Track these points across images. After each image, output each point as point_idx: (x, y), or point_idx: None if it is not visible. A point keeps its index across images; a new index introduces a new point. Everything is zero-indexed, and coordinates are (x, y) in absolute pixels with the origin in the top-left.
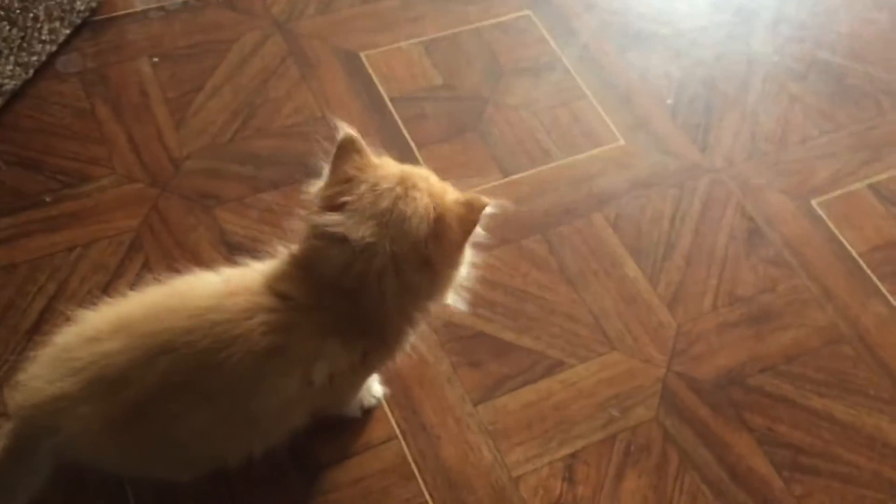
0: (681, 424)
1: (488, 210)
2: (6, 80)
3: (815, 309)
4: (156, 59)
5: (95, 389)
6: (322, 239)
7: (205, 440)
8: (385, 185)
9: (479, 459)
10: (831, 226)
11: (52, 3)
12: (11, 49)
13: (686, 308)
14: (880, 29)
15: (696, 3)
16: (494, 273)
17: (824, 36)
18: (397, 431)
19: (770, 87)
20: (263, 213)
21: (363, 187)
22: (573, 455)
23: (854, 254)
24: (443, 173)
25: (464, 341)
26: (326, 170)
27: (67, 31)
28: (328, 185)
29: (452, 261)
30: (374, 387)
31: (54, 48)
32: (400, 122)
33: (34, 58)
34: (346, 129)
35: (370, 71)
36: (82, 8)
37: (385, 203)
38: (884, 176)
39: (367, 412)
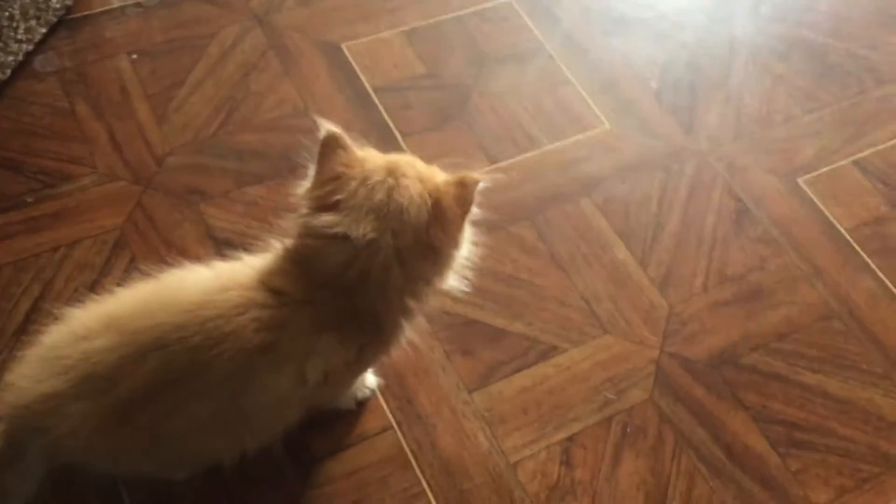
0: (676, 405)
1: (481, 186)
2: None
3: (806, 286)
4: (135, 56)
5: (86, 387)
6: (319, 238)
7: (197, 438)
8: (376, 178)
9: (475, 446)
10: (818, 203)
11: (28, 1)
12: None
13: (677, 289)
14: (861, 6)
15: None
16: (484, 260)
17: (805, 15)
18: (392, 422)
19: (753, 67)
20: (249, 208)
21: (354, 183)
22: (570, 439)
23: (842, 230)
24: (429, 162)
25: (456, 329)
26: (311, 169)
27: (44, 30)
28: (316, 184)
29: (455, 242)
30: (368, 378)
31: (31, 47)
32: (384, 113)
33: (11, 58)
34: (328, 127)
35: (352, 62)
36: (58, 6)
37: (379, 196)
38: (868, 152)
39: (362, 403)
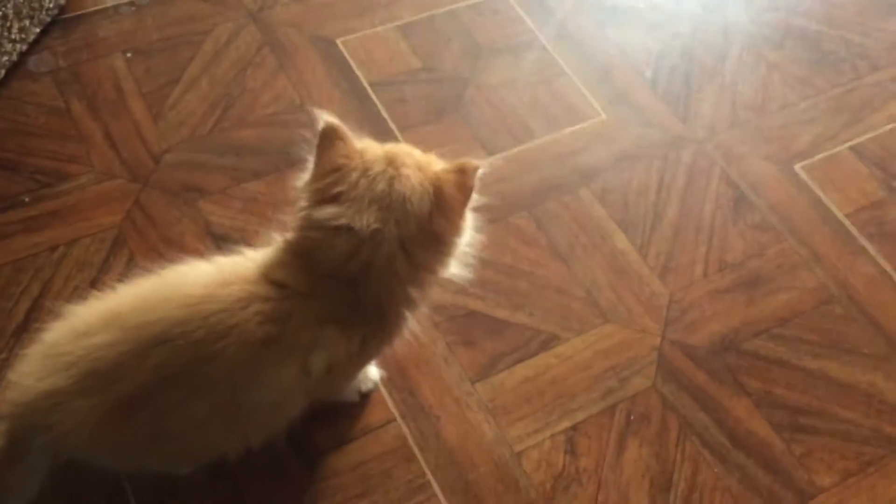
0: (679, 392)
1: (480, 172)
2: None
3: (805, 271)
4: (129, 55)
5: (88, 384)
6: (322, 231)
7: (201, 432)
8: (376, 169)
9: (479, 437)
10: (815, 189)
11: (21, 1)
12: None
13: (677, 277)
14: None
15: None
16: (484, 251)
17: (798, 3)
18: (396, 414)
19: (747, 56)
20: (248, 204)
21: (354, 174)
22: (574, 428)
23: (839, 216)
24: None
25: (457, 321)
26: (311, 161)
27: (37, 30)
28: (316, 176)
29: (457, 229)
30: (371, 370)
31: (25, 47)
32: (381, 107)
33: (5, 58)
34: (326, 118)
35: (348, 57)
36: (51, 5)
37: (381, 186)
38: (864, 137)
39: (365, 396)
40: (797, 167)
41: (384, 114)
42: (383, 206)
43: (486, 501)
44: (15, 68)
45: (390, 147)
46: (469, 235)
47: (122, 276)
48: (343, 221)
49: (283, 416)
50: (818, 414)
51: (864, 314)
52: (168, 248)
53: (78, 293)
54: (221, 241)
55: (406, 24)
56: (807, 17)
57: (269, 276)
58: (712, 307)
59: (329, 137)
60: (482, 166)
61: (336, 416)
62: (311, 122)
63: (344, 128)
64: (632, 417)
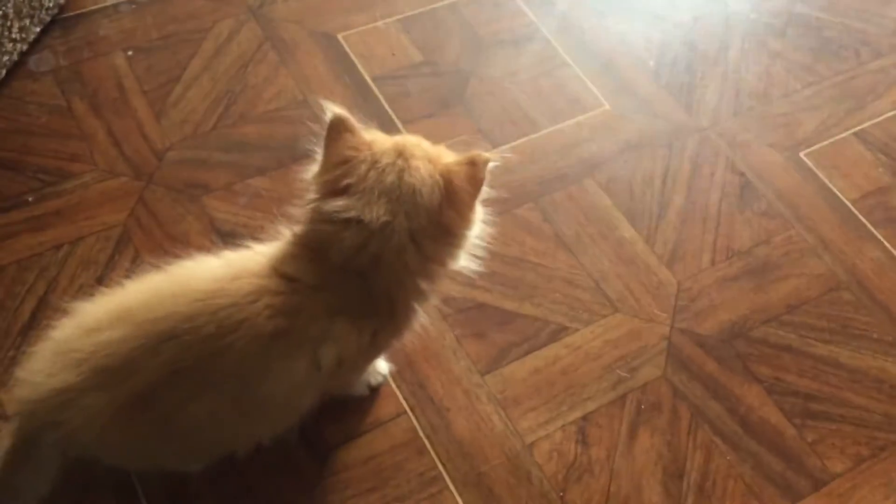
0: (689, 380)
1: (491, 165)
2: None
3: (812, 258)
4: (130, 53)
5: (99, 380)
6: (331, 223)
7: (211, 428)
8: (385, 161)
9: (490, 429)
10: (821, 176)
11: (21, 0)
12: None
13: (685, 265)
14: None
15: None
16: (491, 243)
17: None
18: (406, 407)
19: (750, 44)
20: (253, 199)
21: (363, 166)
22: (585, 418)
23: (846, 202)
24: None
25: (466, 313)
26: (319, 153)
27: (38, 29)
28: (324, 168)
29: (468, 222)
30: (380, 364)
31: (25, 47)
32: (384, 101)
33: (6, 57)
34: (333, 109)
35: (349, 52)
36: (51, 4)
37: (390, 178)
38: (869, 123)
39: (374, 390)
40: (802, 154)
41: (387, 108)
42: (393, 199)
43: (498, 493)
44: (16, 68)
45: (399, 138)
46: (479, 228)
47: (129, 274)
48: (353, 214)
49: (293, 411)
50: (829, 400)
51: (872, 300)
52: (173, 245)
53: (83, 291)
54: (226, 237)
55: (407, 18)
56: (808, 4)
57: (278, 269)
58: (721, 295)
59: (337, 129)
60: (493, 159)
61: (346, 410)
62: (318, 114)
63: (352, 119)
64: (642, 407)
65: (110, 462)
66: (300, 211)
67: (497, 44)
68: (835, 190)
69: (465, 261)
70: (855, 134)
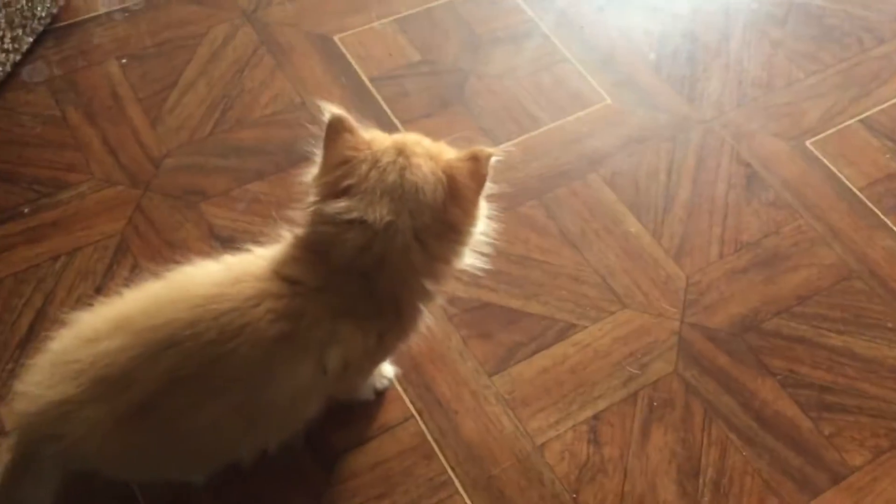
0: (701, 375)
1: (494, 160)
2: None
3: (822, 247)
4: (124, 60)
5: (99, 390)
6: (333, 225)
7: (215, 436)
8: (386, 159)
9: (500, 430)
10: (828, 164)
11: (13, 10)
12: None
13: (693, 259)
14: None
15: None
16: (495, 242)
17: None
18: (413, 410)
19: (751, 34)
20: (251, 204)
21: (364, 166)
22: (596, 417)
23: (854, 189)
24: None
25: (471, 313)
26: (318, 155)
27: (30, 40)
28: (325, 170)
29: (472, 218)
30: (386, 367)
31: (18, 57)
32: (382, 102)
33: None
34: (332, 110)
35: (346, 53)
36: (43, 14)
37: (392, 177)
38: (874, 110)
39: (380, 394)
40: (808, 143)
41: (386, 108)
42: (395, 198)
43: (509, 496)
44: (9, 79)
45: (399, 136)
46: (483, 224)
47: (127, 283)
48: (355, 215)
49: (299, 417)
50: (845, 391)
51: (885, 288)
52: (172, 252)
53: (82, 302)
54: (226, 242)
55: (403, 18)
56: None
57: (280, 272)
58: (730, 288)
59: (336, 129)
60: (496, 154)
61: (352, 416)
62: (316, 116)
63: (351, 119)
64: (655, 404)
65: (112, 475)
66: (301, 214)
67: (495, 41)
68: (842, 178)
69: (470, 258)
70: (861, 121)
